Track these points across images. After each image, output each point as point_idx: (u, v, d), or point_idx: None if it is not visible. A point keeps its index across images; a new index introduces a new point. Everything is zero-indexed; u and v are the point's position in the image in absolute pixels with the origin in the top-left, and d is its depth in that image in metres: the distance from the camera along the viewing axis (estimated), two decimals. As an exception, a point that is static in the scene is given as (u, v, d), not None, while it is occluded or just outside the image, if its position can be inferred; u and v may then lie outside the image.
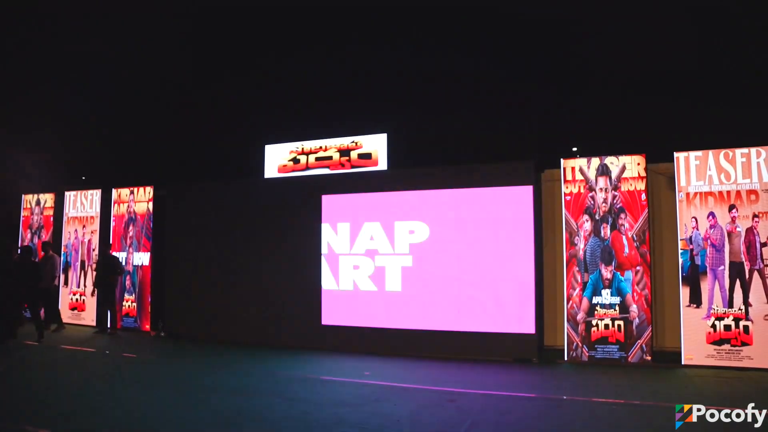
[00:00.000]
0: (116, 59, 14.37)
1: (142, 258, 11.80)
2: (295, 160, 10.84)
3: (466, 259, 9.05)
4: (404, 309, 9.35)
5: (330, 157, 10.54)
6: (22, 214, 13.85)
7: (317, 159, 10.68)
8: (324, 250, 10.04)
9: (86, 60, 13.62)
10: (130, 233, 12.06)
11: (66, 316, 12.74)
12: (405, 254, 9.45)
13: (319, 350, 9.70)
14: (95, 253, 12.38)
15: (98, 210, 12.60)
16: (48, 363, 8.88)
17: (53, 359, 9.16)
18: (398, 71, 12.15)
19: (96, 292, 11.76)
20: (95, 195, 12.72)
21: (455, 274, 9.08)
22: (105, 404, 6.29)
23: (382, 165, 10.08)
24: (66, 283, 12.88)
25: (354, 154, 10.33)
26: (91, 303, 12.31)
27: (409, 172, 9.97)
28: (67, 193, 13.14)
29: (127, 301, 11.93)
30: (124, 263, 11.95)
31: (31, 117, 13.94)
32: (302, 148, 10.83)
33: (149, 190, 11.95)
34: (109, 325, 11.63)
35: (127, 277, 11.95)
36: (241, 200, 10.93)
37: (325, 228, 10.08)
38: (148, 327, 11.65)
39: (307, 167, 10.73)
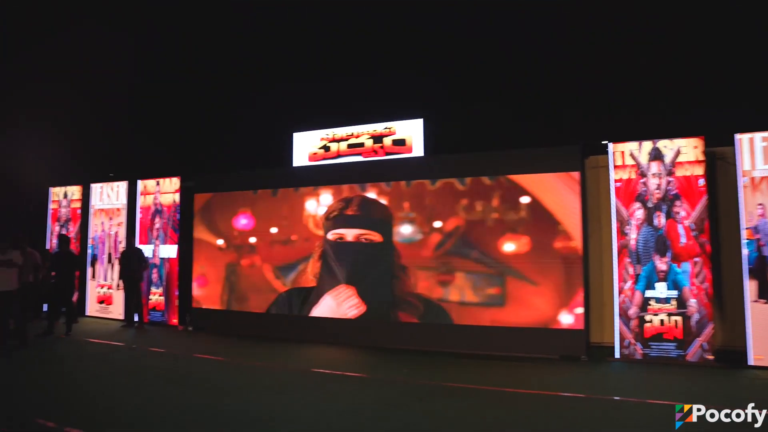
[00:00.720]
0: (143, 48, 14.10)
1: (169, 250, 11.51)
2: (326, 148, 10.42)
3: (507, 250, 8.52)
4: (441, 303, 8.88)
5: (362, 144, 10.09)
6: (51, 206, 13.70)
7: (349, 146, 10.23)
8: (356, 241, 9.61)
9: (112, 49, 13.36)
10: (157, 225, 11.78)
11: (93, 309, 12.57)
12: (442, 245, 8.96)
13: (349, 344, 9.28)
14: (122, 246, 12.15)
15: (124, 202, 12.37)
16: (74, 357, 8.63)
17: (80, 353, 8.91)
18: (432, 53, 11.59)
19: (122, 285, 11.54)
20: (121, 187, 12.48)
21: (496, 266, 8.56)
22: (129, 400, 5.99)
23: (417, 152, 9.60)
24: (93, 276, 12.69)
25: (388, 141, 9.86)
26: (118, 296, 12.09)
27: (447, 158, 9.45)
28: (93, 185, 12.94)
29: (153, 295, 11.67)
30: (150, 256, 11.69)
31: (57, 109, 13.73)
32: (333, 135, 10.40)
33: (175, 180, 11.66)
34: (136, 319, 11.38)
35: (154, 270, 11.69)
36: (268, 190, 10.55)
37: (357, 218, 9.66)
38: (175, 321, 11.37)
39: (338, 155, 10.30)
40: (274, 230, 10.34)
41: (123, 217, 12.33)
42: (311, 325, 9.78)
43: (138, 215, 12.08)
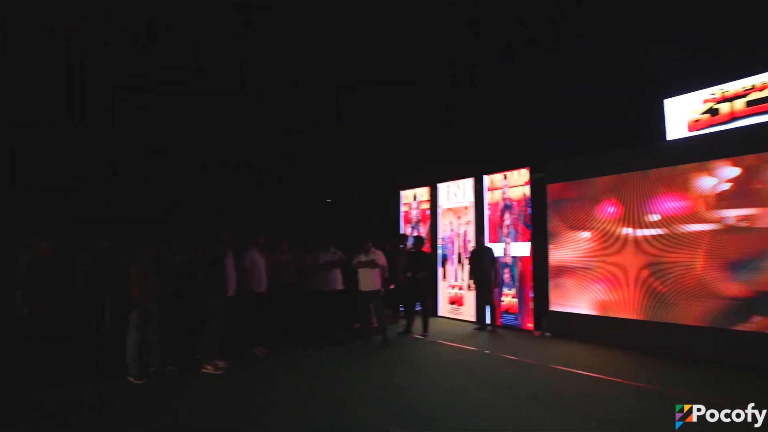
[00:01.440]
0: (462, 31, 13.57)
1: (521, 248, 10.54)
2: (713, 111, 8.12)
3: None
4: None
5: (775, 97, 7.53)
6: (402, 209, 14.20)
7: (749, 104, 7.75)
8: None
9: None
10: (506, 221, 10.95)
11: (445, 310, 12.40)
12: None
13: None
14: (471, 245, 11.69)
15: (472, 199, 11.91)
16: (431, 361, 8.18)
17: (435, 357, 8.46)
18: None
19: (473, 286, 11.00)
20: (467, 184, 12.08)
21: None
22: (482, 413, 5.22)
23: None
24: (444, 276, 12.55)
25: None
26: (469, 297, 11.63)
27: None
28: (440, 185, 12.88)
29: (506, 296, 10.83)
30: (501, 255, 10.91)
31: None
32: (722, 93, 8.05)
33: (524, 172, 10.66)
34: (488, 322, 10.69)
35: (506, 270, 10.86)
36: (637, 172, 8.70)
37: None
38: (530, 325, 10.30)
39: (732, 117, 7.90)
40: (653, 218, 8.46)
41: (471, 216, 11.89)
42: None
43: (486, 212, 11.47)
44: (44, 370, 6.80)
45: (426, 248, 12.36)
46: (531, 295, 10.30)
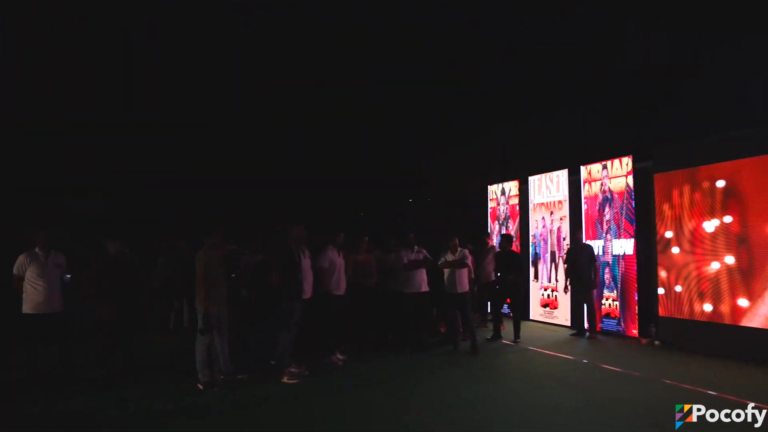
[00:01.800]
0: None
1: (624, 246, 9.49)
2: None
3: None
4: None
5: None
6: (489, 205, 13.40)
7: None
8: None
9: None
10: (606, 216, 9.92)
11: (537, 313, 11.51)
12: None
13: None
14: (566, 243, 10.74)
15: (566, 193, 10.93)
16: (526, 371, 7.43)
17: (530, 367, 7.69)
18: None
19: (569, 287, 10.06)
20: (561, 176, 11.10)
21: None
22: None
23: None
24: (536, 276, 11.65)
25: None
26: (564, 300, 10.68)
27: None
28: (531, 178, 11.96)
29: (607, 299, 9.81)
30: (601, 253, 9.91)
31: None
32: None
33: (626, 161, 9.58)
34: (587, 327, 9.73)
35: (606, 270, 9.85)
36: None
37: None
38: (635, 332, 9.24)
39: None
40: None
41: (565, 210, 10.92)
42: None
43: (583, 206, 10.47)
44: (115, 373, 6.67)
45: (514, 247, 11.54)
46: (636, 297, 9.24)
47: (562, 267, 10.63)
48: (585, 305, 9.80)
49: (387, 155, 20.73)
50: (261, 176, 20.43)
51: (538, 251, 11.64)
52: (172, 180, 18.96)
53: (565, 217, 10.91)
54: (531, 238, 11.88)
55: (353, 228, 8.81)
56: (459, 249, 8.55)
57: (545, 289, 11.34)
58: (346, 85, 18.40)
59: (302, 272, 7.02)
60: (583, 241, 10.03)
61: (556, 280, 11.02)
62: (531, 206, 11.94)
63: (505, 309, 10.65)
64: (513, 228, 12.38)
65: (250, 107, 19.21)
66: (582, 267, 9.59)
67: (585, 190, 10.44)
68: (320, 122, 19.75)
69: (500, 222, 12.91)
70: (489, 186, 13.43)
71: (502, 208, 12.94)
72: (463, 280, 8.44)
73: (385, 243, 9.24)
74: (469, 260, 8.56)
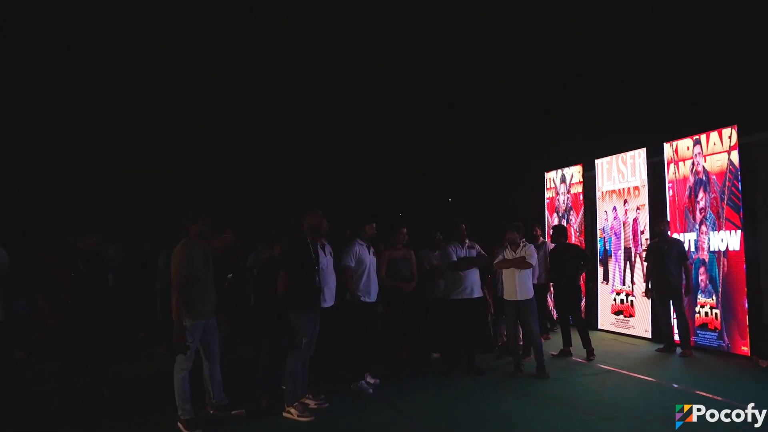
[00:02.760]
0: None
1: (726, 239, 7.57)
2: None
3: None
4: None
5: None
6: (546, 195, 11.57)
7: None
8: None
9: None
10: (700, 204, 8.01)
11: (607, 322, 9.64)
12: None
13: None
14: (644, 237, 8.86)
15: (644, 177, 9.04)
16: (601, 401, 5.64)
17: (608, 395, 5.88)
18: None
19: (650, 291, 8.16)
20: (638, 157, 9.21)
21: None
22: None
23: None
24: (605, 278, 9.78)
25: None
26: (642, 306, 8.81)
27: None
28: (598, 162, 10.09)
29: (702, 306, 7.90)
30: (693, 248, 8.02)
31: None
32: None
33: (729, 133, 7.63)
34: (678, 340, 7.84)
35: (700, 269, 7.94)
36: None
37: None
38: (745, 349, 7.31)
39: None
40: None
41: (644, 198, 9.03)
42: None
43: (667, 192, 8.57)
44: (74, 403, 5.19)
45: (576, 242, 9.74)
46: (745, 305, 7.30)
47: (640, 266, 8.77)
48: (675, 314, 7.91)
49: (424, 153, 19.39)
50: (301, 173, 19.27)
51: (608, 248, 9.76)
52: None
53: (643, 206, 9.02)
54: (599, 233, 10.01)
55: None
56: (522, 243, 6.80)
57: (617, 293, 9.46)
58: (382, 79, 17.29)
59: (321, 274, 5.41)
60: (669, 234, 8.11)
61: (632, 283, 9.14)
62: (599, 194, 10.06)
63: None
64: (576, 221, 10.54)
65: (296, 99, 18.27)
66: (668, 267, 7.71)
67: (670, 173, 8.53)
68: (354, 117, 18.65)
69: (559, 214, 11.06)
70: (546, 173, 11.60)
71: (561, 198, 11.09)
72: (528, 284, 6.69)
73: (428, 237, 7.50)
74: (535, 258, 6.79)
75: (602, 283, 9.86)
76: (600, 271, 9.88)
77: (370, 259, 6.25)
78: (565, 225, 10.38)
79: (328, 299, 5.66)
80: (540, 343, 6.74)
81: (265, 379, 5.40)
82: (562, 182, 11.08)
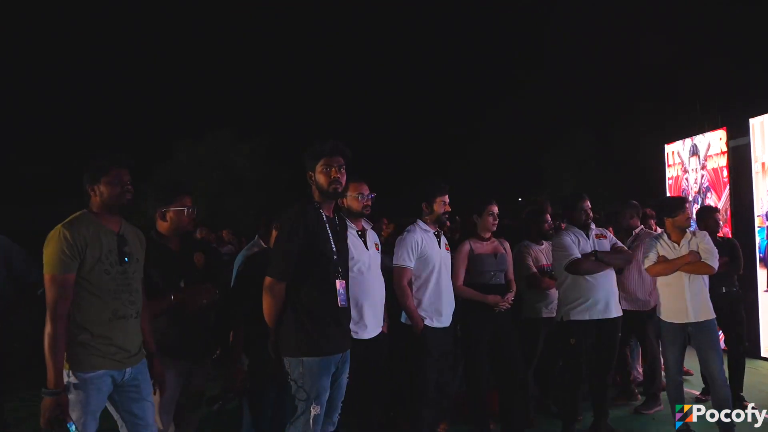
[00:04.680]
0: None
1: None
2: None
3: None
4: None
5: None
6: (668, 174, 8.80)
7: None
8: None
9: None
10: None
11: (775, 346, 6.77)
12: None
13: None
14: None
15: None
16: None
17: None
18: None
19: None
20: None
21: None
22: None
23: None
24: (772, 284, 6.92)
25: None
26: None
27: None
28: (752, 122, 7.23)
29: None
30: None
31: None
32: None
33: None
34: None
35: None
36: None
37: None
38: None
39: None
40: None
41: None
42: None
43: None
44: None
45: (721, 233, 7.00)
46: None
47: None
48: None
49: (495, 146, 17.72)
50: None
51: (773, 240, 6.91)
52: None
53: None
54: (757, 220, 7.14)
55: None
56: (692, 232, 4.16)
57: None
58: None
59: (356, 278, 3.04)
60: None
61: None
62: (754, 169, 7.20)
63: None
64: (720, 201, 7.73)
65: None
66: None
67: None
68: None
69: (690, 198, 8.25)
70: (666, 145, 8.83)
71: (692, 176, 8.28)
72: (705, 296, 4.05)
73: (535, 221, 4.86)
74: (716, 257, 4.09)
75: (765, 291, 7.00)
76: (763, 274, 7.01)
77: (441, 256, 3.82)
78: (710, 205, 7.56)
79: (370, 325, 3.26)
80: (728, 395, 4.07)
81: None
82: (692, 155, 8.26)
